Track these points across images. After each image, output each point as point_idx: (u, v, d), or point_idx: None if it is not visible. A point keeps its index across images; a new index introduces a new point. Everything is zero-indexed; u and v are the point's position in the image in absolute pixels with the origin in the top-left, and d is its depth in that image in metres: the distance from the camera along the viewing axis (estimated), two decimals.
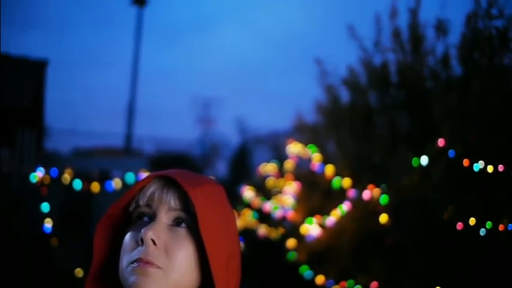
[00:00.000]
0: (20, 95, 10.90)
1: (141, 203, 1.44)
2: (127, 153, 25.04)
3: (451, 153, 6.33)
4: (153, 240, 1.33)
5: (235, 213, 1.64)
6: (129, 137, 26.04)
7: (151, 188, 1.42)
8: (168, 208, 1.40)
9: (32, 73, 12.20)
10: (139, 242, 1.35)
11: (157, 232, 1.35)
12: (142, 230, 1.35)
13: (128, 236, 1.42)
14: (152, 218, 1.42)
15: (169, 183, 1.41)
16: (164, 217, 1.40)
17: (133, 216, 1.48)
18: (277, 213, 10.68)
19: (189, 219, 1.40)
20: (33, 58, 13.15)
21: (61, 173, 8.76)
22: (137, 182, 1.46)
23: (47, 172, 8.56)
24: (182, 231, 1.38)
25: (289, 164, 10.69)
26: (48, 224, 8.48)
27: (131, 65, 24.42)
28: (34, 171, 8.47)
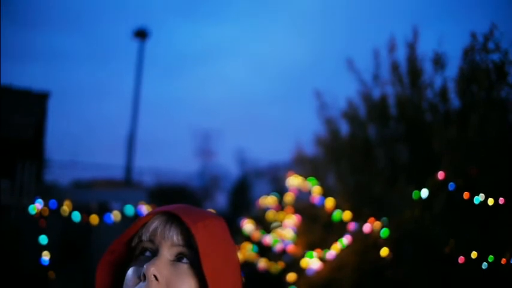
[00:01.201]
0: (22, 126, 10.95)
1: (144, 238, 1.44)
2: (127, 185, 24.99)
3: (451, 186, 6.33)
4: (155, 276, 1.33)
5: (236, 247, 1.65)
6: (129, 169, 26.03)
7: (154, 224, 1.43)
8: (170, 244, 1.41)
9: (33, 105, 12.28)
10: (142, 277, 1.35)
11: (160, 268, 1.35)
12: (144, 266, 1.35)
13: (130, 271, 1.41)
14: (155, 253, 1.43)
15: (172, 219, 1.42)
16: (167, 253, 1.41)
17: (135, 251, 1.48)
18: (277, 247, 10.59)
19: (191, 255, 1.40)
20: (35, 90, 13.26)
21: (60, 204, 8.74)
22: (140, 217, 1.48)
23: (46, 204, 8.53)
24: (184, 266, 1.38)
25: (289, 197, 10.66)
26: (46, 256, 8.41)
27: (132, 96, 24.62)
28: (33, 203, 8.44)
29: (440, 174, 6.43)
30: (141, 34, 24.15)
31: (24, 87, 12.97)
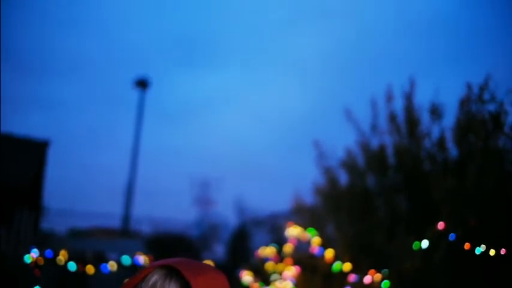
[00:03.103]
0: (21, 175, 10.95)
1: None
2: (124, 234, 24.72)
3: (452, 236, 6.28)
4: None
5: None
6: (126, 218, 25.82)
7: (154, 277, 1.42)
8: None
9: (33, 154, 12.33)
10: None
11: None
12: None
13: None
14: None
15: (172, 273, 1.41)
16: None
17: None
18: None
19: None
20: (35, 139, 13.33)
21: (56, 254, 8.63)
22: (140, 270, 1.46)
23: (42, 253, 8.43)
24: None
25: (288, 248, 10.54)
26: None
27: (131, 145, 24.71)
28: (29, 252, 8.35)
29: (440, 225, 6.39)
30: (142, 84, 24.46)
31: (24, 136, 13.05)
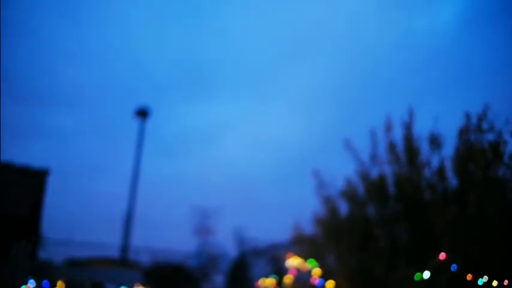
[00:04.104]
0: (20, 204, 10.89)
1: None
2: (123, 265, 24.45)
3: (454, 267, 6.22)
4: None
5: None
6: (125, 248, 25.59)
7: None
8: None
9: (33, 183, 12.28)
10: None
11: None
12: None
13: None
14: None
15: None
16: None
17: None
18: None
19: None
20: (34, 167, 13.30)
21: (53, 284, 8.52)
22: None
23: (39, 284, 8.33)
24: None
25: (288, 279, 10.43)
26: None
27: (131, 174, 24.70)
28: (26, 282, 8.24)
29: (442, 255, 6.34)
30: (142, 113, 24.62)
31: (24, 164, 13.02)
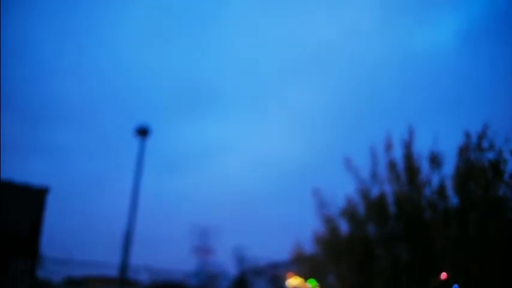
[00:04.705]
0: (19, 223, 10.87)
1: None
2: (121, 283, 24.27)
3: (455, 287, 6.18)
4: None
5: None
6: (124, 267, 25.39)
7: None
8: None
9: (32, 201, 12.26)
10: None
11: None
12: None
13: None
14: None
15: None
16: None
17: None
18: None
19: None
20: (34, 186, 13.29)
21: None
22: None
23: None
24: None
25: None
26: None
27: (131, 193, 24.52)
28: None
29: (443, 275, 6.31)
30: (142, 132, 24.60)
31: (23, 183, 13.01)
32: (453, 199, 8.06)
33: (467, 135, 7.69)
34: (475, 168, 7.36)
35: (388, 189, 9.26)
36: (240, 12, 46.71)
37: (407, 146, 9.08)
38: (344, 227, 10.13)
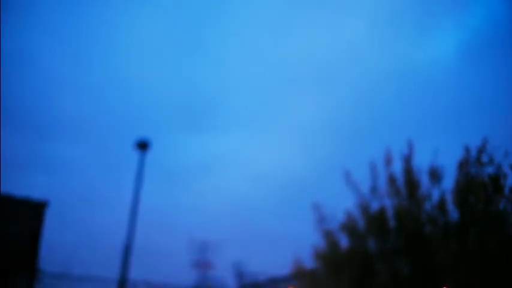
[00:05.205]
0: (18, 237, 10.84)
1: None
2: None
3: None
4: None
5: None
6: (123, 282, 25.24)
7: None
8: None
9: (32, 215, 12.25)
10: None
11: None
12: None
13: None
14: None
15: None
16: None
17: None
18: None
19: None
20: (33, 199, 13.28)
21: None
22: None
23: None
24: None
25: None
26: None
27: (130, 207, 24.45)
28: None
29: None
30: (142, 146, 24.60)
31: (23, 197, 13.00)
32: (453, 213, 8.05)
33: (467, 149, 7.71)
34: (475, 183, 7.36)
35: (388, 203, 9.24)
36: (240, 28, 47.04)
37: (407, 160, 9.08)
38: (344, 241, 10.09)
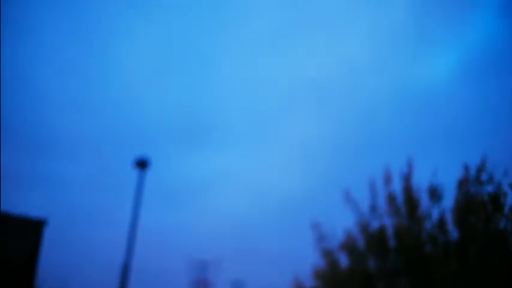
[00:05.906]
0: (16, 255, 10.77)
1: None
2: None
3: None
4: None
5: None
6: None
7: None
8: None
9: (29, 233, 12.19)
10: None
11: None
12: None
13: None
14: None
15: None
16: None
17: None
18: None
19: None
20: (32, 217, 13.23)
21: None
22: None
23: None
24: None
25: None
26: None
27: (129, 225, 24.34)
28: None
29: None
30: (142, 164, 24.60)
31: (21, 215, 12.95)
32: (453, 232, 8.02)
33: (467, 168, 7.70)
34: (475, 202, 7.34)
35: (388, 222, 9.21)
36: (240, 46, 47.35)
37: (407, 179, 9.07)
38: (344, 260, 10.03)
